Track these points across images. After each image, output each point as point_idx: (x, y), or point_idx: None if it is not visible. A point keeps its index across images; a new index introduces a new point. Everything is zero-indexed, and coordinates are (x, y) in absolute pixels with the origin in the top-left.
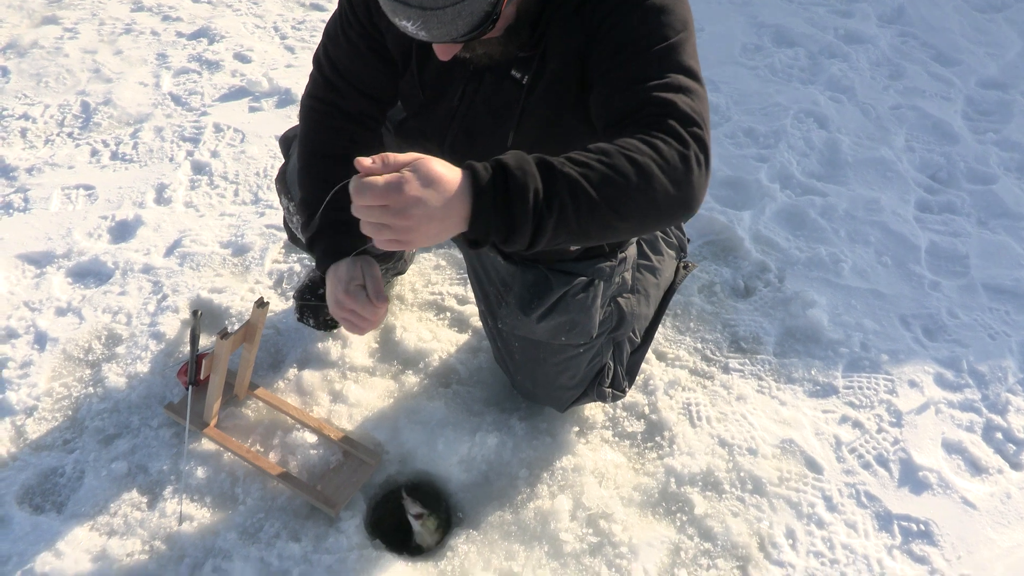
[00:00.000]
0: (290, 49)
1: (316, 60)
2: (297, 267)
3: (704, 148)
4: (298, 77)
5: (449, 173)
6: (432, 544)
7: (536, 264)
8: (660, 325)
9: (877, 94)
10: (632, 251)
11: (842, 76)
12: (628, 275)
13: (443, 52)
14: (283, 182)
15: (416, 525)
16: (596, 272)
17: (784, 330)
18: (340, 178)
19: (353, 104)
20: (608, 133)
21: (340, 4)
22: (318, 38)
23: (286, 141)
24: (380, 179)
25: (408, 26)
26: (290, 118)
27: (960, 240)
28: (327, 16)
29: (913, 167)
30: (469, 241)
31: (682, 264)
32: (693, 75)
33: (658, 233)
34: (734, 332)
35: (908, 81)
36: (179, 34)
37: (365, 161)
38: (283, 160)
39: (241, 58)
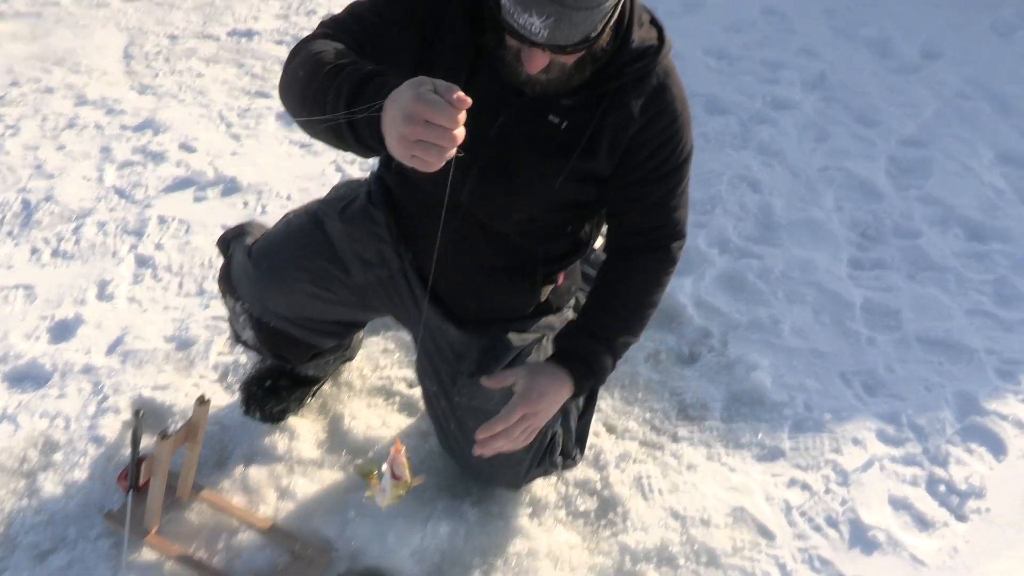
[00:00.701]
0: (235, 137)
1: (333, 21)
2: (243, 359)
3: (681, 254)
4: (243, 164)
5: (552, 383)
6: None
7: (488, 329)
8: (608, 396)
9: (805, 156)
10: (570, 313)
11: (772, 141)
12: None
13: (538, 62)
14: (227, 282)
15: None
16: (546, 328)
17: (730, 395)
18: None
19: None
20: (632, 233)
21: None
22: (264, 125)
23: (225, 242)
24: (511, 421)
25: (536, 22)
26: (235, 206)
27: (892, 295)
28: (272, 103)
29: (844, 226)
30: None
31: None
32: (688, 196)
33: (578, 293)
34: (681, 400)
35: (834, 143)
36: (123, 127)
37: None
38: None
39: (186, 148)
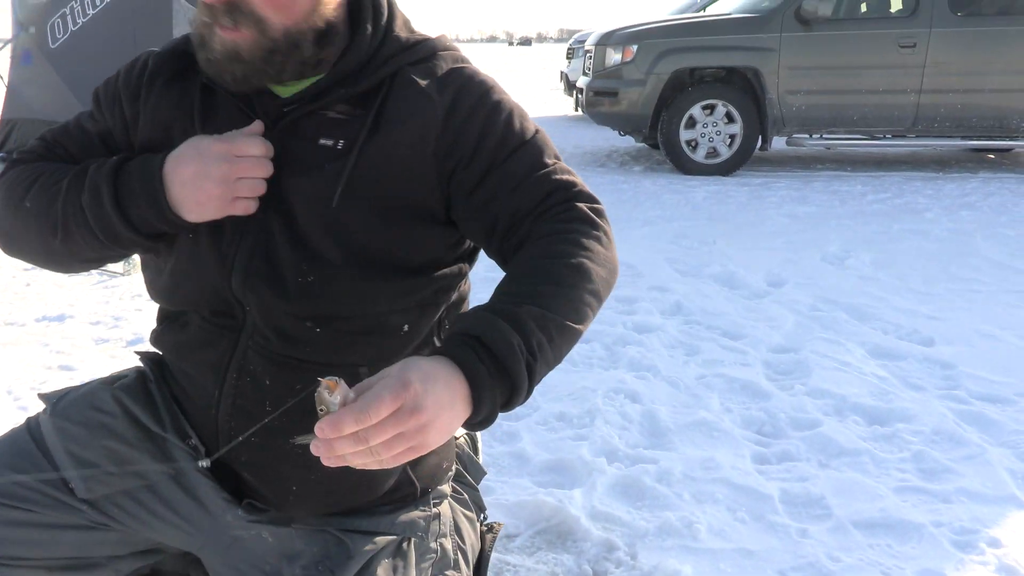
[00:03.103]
0: (23, 408)
1: (34, 147)
2: None
3: (605, 219)
4: None
5: (432, 362)
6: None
7: (324, 528)
8: None
9: (680, 368)
10: (447, 509)
11: (642, 358)
12: (448, 544)
13: None
14: None
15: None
16: (407, 527)
17: None
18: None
19: None
20: (516, 227)
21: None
22: None
23: None
24: (384, 390)
25: None
26: None
27: (810, 483)
28: (76, 374)
29: (736, 425)
30: (473, 424)
31: (484, 526)
32: (567, 168)
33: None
34: None
35: (705, 355)
36: None
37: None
38: None
39: None
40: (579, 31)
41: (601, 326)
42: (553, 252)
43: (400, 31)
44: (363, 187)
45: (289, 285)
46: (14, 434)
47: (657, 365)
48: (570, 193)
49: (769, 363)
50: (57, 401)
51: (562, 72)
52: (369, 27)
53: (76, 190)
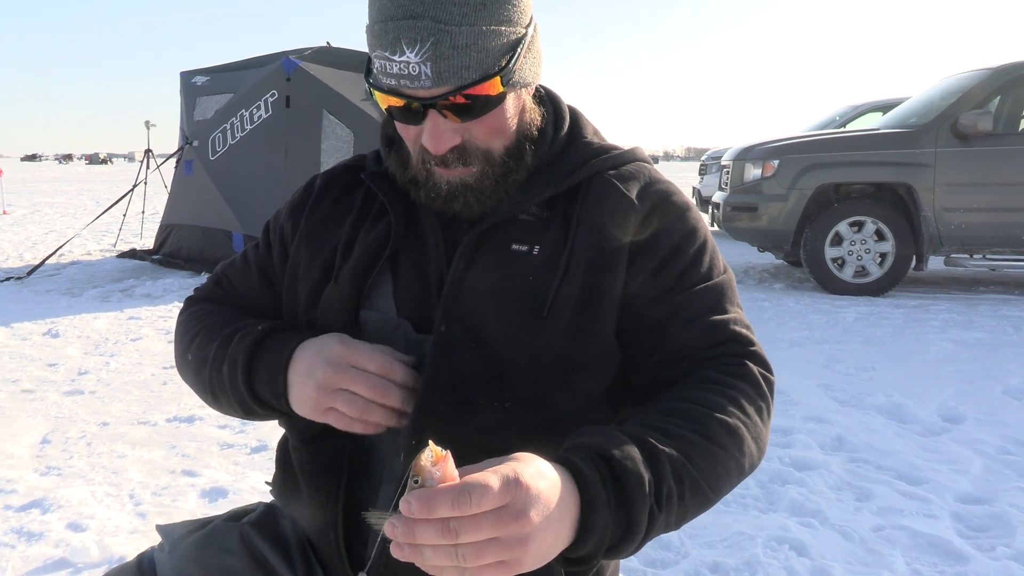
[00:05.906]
0: (142, 515)
1: (206, 286)
2: None
3: (773, 392)
4: (141, 543)
5: (548, 465)
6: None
7: None
8: None
9: (851, 516)
10: None
11: (805, 500)
12: None
13: (440, 134)
14: None
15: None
16: None
17: None
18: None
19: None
20: (678, 362)
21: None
22: (181, 503)
23: None
24: (492, 477)
25: (412, 59)
26: None
27: None
28: (198, 480)
29: None
30: (571, 559)
31: None
32: (748, 325)
33: None
34: None
35: (880, 501)
36: (6, 507)
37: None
38: None
39: (75, 527)
40: (706, 149)
41: None
42: (711, 403)
43: (592, 137)
44: (570, 291)
45: (482, 412)
46: (123, 569)
47: (824, 510)
48: (745, 350)
49: (959, 516)
50: (177, 540)
51: (694, 188)
52: (550, 131)
53: (220, 359)
